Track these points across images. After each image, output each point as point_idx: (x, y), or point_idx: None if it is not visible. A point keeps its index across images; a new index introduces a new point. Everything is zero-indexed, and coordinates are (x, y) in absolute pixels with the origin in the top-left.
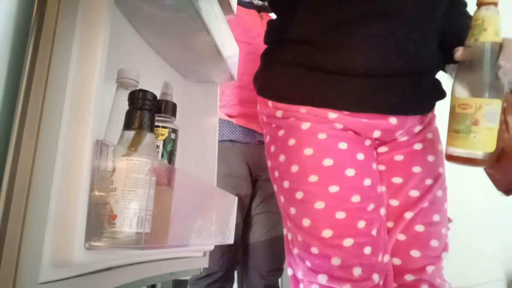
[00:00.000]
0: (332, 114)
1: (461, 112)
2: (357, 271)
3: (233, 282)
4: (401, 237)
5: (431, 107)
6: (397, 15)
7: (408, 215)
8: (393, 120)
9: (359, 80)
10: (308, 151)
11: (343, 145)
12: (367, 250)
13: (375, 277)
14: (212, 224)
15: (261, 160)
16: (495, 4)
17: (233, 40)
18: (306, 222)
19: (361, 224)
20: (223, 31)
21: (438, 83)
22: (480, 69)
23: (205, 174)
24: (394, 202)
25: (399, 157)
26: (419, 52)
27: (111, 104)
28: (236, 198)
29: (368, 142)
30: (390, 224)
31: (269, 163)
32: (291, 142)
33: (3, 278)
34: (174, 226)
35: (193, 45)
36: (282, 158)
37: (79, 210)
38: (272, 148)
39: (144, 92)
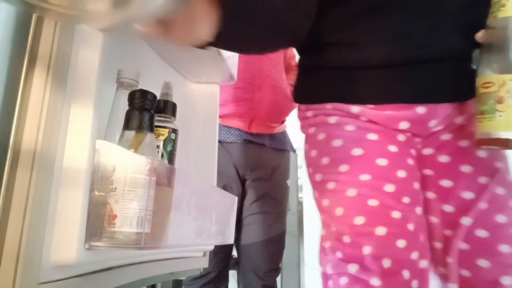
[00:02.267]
0: (355, 108)
1: (484, 91)
2: (386, 263)
3: (227, 282)
4: (464, 246)
5: (464, 95)
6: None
7: (465, 220)
8: (420, 109)
9: (377, 72)
10: (337, 143)
11: (372, 136)
12: (401, 243)
13: (405, 273)
14: (212, 224)
15: (248, 160)
16: None
17: None
18: (338, 211)
19: (396, 214)
20: None
21: (473, 71)
22: (501, 45)
23: (205, 174)
24: (448, 208)
25: (444, 158)
26: (440, 38)
27: (111, 104)
28: (236, 198)
29: (402, 137)
30: (448, 232)
31: (308, 169)
32: (321, 136)
33: (3, 278)
34: (174, 226)
35: None
36: (313, 153)
37: (79, 210)
38: (307, 148)
39: (144, 92)
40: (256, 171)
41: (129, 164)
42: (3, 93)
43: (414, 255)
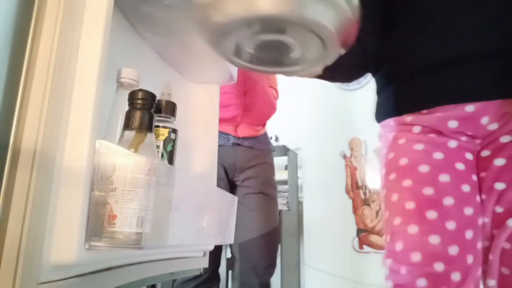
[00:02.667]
0: (408, 117)
1: None
2: (439, 267)
3: (219, 282)
4: (507, 245)
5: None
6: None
7: (511, 222)
8: (469, 107)
9: (426, 77)
10: (390, 155)
11: (418, 146)
12: (433, 239)
13: (455, 275)
14: (212, 224)
15: (236, 162)
16: None
17: None
18: (396, 221)
19: (431, 214)
20: None
21: None
22: None
23: (205, 174)
24: (499, 209)
25: (500, 161)
26: (485, 34)
27: (111, 104)
28: (236, 198)
29: (453, 144)
30: (495, 232)
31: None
32: (384, 151)
33: (3, 278)
34: (174, 226)
35: (193, 45)
36: (382, 170)
37: (79, 210)
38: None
39: (144, 92)
40: (245, 172)
41: (129, 164)
42: (3, 93)
43: (469, 259)
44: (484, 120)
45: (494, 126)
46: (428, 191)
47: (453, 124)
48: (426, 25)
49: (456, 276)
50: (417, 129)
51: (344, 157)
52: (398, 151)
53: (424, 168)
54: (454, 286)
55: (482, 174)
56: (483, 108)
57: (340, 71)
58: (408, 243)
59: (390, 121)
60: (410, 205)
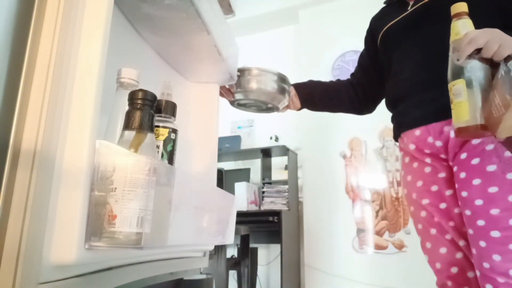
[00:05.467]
0: (400, 140)
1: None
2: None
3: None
4: (469, 231)
5: (441, 115)
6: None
7: (480, 222)
8: (417, 132)
9: (394, 110)
10: (401, 172)
11: (408, 178)
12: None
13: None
14: (212, 224)
15: None
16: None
17: (233, 40)
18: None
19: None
20: (223, 31)
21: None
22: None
23: (205, 174)
24: (468, 212)
25: (463, 174)
26: (418, 85)
27: (111, 104)
28: (236, 197)
29: (427, 169)
30: (470, 230)
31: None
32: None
33: (3, 278)
34: (174, 226)
35: (193, 45)
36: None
37: (79, 210)
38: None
39: (144, 92)
40: None
41: (129, 164)
42: (3, 93)
43: (437, 265)
44: (430, 139)
45: (439, 143)
46: (423, 213)
47: (412, 146)
48: (388, 71)
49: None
50: (406, 154)
51: (344, 157)
52: (402, 166)
53: (414, 196)
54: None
55: (456, 185)
56: (425, 130)
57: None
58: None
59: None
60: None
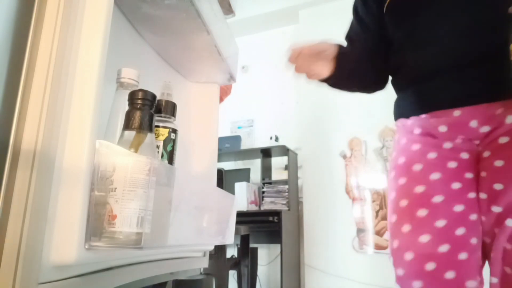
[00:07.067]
0: (408, 121)
1: None
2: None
3: None
4: (509, 246)
5: (500, 94)
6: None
7: (510, 222)
8: (456, 112)
9: (418, 87)
10: (393, 154)
11: (415, 146)
12: (424, 238)
13: (449, 274)
14: (212, 224)
15: None
16: None
17: (233, 40)
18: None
19: (421, 212)
20: (223, 31)
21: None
22: None
23: (205, 174)
24: (497, 209)
25: (499, 162)
26: (470, 44)
27: (111, 104)
28: (236, 197)
29: (448, 145)
30: (496, 230)
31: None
32: (394, 155)
33: (3, 278)
34: (174, 226)
35: (193, 45)
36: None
37: (79, 210)
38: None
39: (144, 92)
40: None
41: (129, 164)
42: (3, 93)
43: (444, 248)
44: (473, 123)
45: (486, 129)
46: (419, 189)
47: (443, 128)
48: (411, 41)
49: (450, 275)
50: (417, 130)
51: (344, 157)
52: (399, 150)
53: (417, 167)
54: (451, 284)
55: (483, 174)
56: (470, 112)
57: (349, 82)
58: (402, 242)
59: (398, 123)
60: (403, 203)
